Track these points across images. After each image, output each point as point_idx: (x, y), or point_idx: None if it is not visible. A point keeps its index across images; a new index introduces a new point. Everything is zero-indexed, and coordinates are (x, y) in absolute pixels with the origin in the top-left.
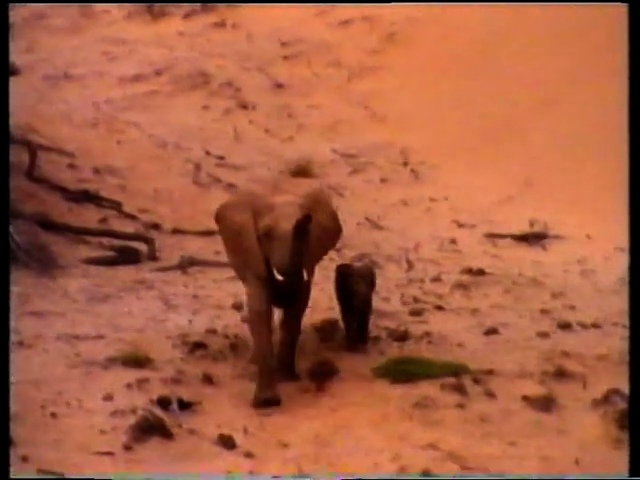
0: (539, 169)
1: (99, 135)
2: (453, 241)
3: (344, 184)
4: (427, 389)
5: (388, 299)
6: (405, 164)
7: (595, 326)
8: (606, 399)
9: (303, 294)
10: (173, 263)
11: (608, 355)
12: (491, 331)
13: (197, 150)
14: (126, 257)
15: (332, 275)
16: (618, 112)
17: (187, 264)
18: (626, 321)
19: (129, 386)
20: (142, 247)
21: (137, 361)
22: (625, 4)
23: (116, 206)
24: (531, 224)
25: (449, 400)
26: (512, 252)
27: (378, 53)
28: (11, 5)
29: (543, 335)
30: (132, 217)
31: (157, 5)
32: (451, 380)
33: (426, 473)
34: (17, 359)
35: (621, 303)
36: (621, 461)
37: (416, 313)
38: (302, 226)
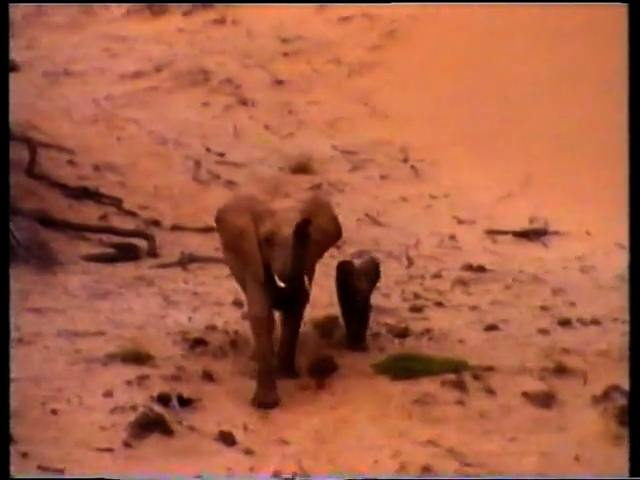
0: (539, 166)
1: (99, 132)
2: (453, 237)
3: (344, 181)
4: (427, 386)
5: (388, 295)
6: (405, 161)
7: (595, 322)
8: (606, 395)
9: (303, 294)
10: (173, 260)
11: (608, 351)
12: (491, 327)
13: (197, 147)
14: (126, 254)
15: (332, 272)
16: (618, 109)
17: (187, 261)
18: (626, 317)
19: (129, 383)
20: (142, 244)
21: (137, 358)
22: (625, 4)
23: (116, 203)
24: (531, 221)
25: (449, 396)
26: (512, 249)
27: (378, 50)
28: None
29: (543, 331)
30: (132, 214)
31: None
32: (451, 376)
33: (426, 470)
34: (17, 356)
35: (621, 299)
36: (621, 457)
37: (416, 309)
38: (302, 231)
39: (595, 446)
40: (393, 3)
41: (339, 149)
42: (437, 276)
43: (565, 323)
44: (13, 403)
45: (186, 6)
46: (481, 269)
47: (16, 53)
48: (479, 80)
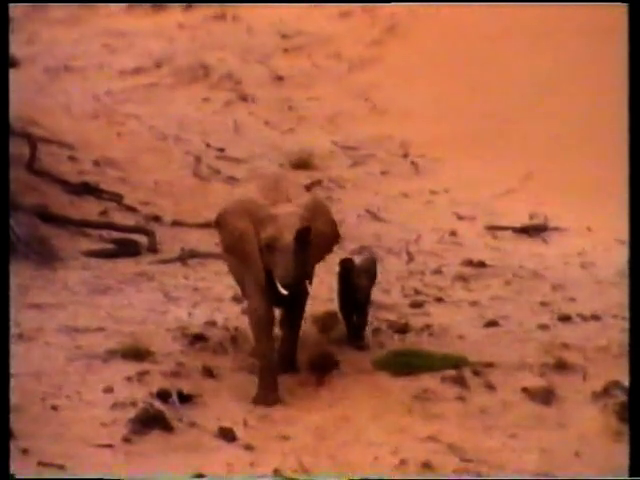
0: (540, 161)
1: (99, 127)
2: (453, 233)
3: (344, 176)
4: (427, 381)
5: (388, 291)
6: (405, 156)
7: (595, 318)
8: (606, 391)
9: (303, 293)
10: (173, 255)
11: (608, 347)
12: (491, 323)
13: (197, 142)
14: (126, 249)
15: (331, 267)
16: (618, 106)
17: (187, 256)
18: (626, 313)
19: (129, 379)
20: (142, 239)
21: (137, 354)
22: (625, 4)
23: (116, 198)
24: (531, 216)
25: (449, 392)
26: (512, 244)
27: (378, 45)
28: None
29: (543, 327)
30: (132, 209)
31: None
32: (451, 372)
33: (426, 466)
34: (17, 352)
35: (621, 295)
36: (621, 454)
37: (416, 305)
38: (303, 238)
39: (595, 442)
40: (393, 3)
41: (339, 145)
42: (437, 272)
43: (565, 319)
44: (13, 399)
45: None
46: (481, 265)
47: (16, 49)
48: (479, 75)
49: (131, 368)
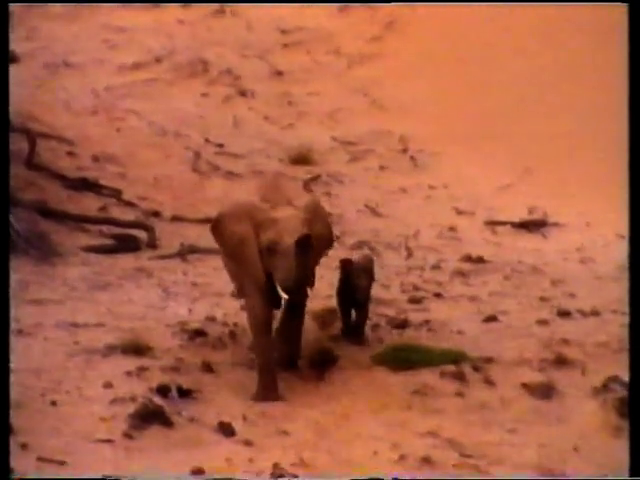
0: (539, 157)
1: (98, 123)
2: (452, 229)
3: (343, 171)
4: (427, 377)
5: (387, 287)
6: (404, 151)
7: (594, 313)
8: (605, 386)
9: (301, 305)
10: (173, 251)
11: (607, 342)
12: (490, 319)
13: (196, 138)
14: (126, 245)
15: (330, 263)
16: (618, 101)
17: (187, 252)
18: (625, 308)
19: (129, 374)
20: (142, 235)
21: (137, 349)
22: (625, 4)
23: (116, 194)
24: (530, 212)
25: (449, 388)
26: (512, 240)
27: (378, 41)
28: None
29: (542, 323)
30: (132, 205)
31: None
32: (451, 368)
33: (426, 461)
34: (17, 347)
35: (620, 290)
36: (620, 449)
37: (416, 301)
38: (304, 244)
39: (594, 437)
40: (393, 3)
41: (338, 140)
42: (436, 267)
43: (564, 314)
44: (12, 394)
45: None
46: (480, 260)
47: (16, 44)
48: (479, 71)
49: (131, 363)
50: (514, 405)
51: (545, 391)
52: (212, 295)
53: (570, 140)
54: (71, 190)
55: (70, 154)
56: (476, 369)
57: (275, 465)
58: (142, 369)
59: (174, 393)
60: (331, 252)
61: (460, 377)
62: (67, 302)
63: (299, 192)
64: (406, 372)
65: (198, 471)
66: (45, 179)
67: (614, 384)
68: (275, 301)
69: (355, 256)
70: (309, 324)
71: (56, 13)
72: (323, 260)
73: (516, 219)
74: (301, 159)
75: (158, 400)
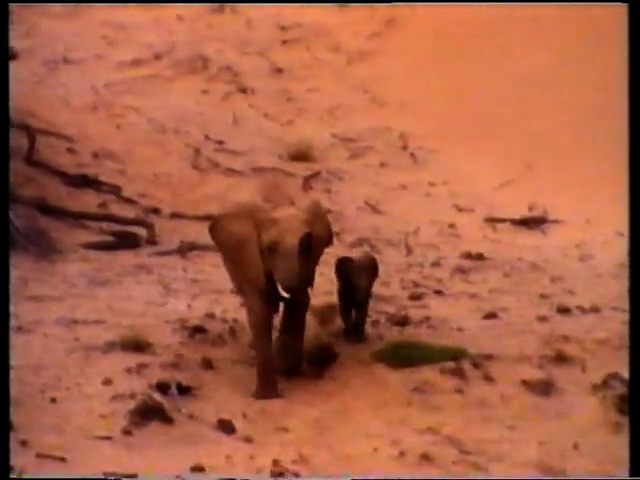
0: (539, 154)
1: (98, 119)
2: (452, 225)
3: (343, 168)
4: (426, 373)
5: (388, 284)
6: (404, 148)
7: (594, 310)
8: (605, 383)
9: (303, 300)
10: (172, 247)
11: (607, 339)
12: (490, 315)
13: (196, 134)
14: (125, 242)
15: (330, 260)
16: (618, 99)
17: (186, 248)
18: (625, 305)
19: (128, 371)
20: (141, 232)
21: (136, 346)
22: (625, 4)
23: (115, 190)
24: (530, 209)
25: (448, 384)
26: (511, 237)
27: (378, 37)
28: None
29: (542, 319)
30: (131, 201)
31: None
32: (450, 365)
33: (425, 457)
34: (16, 344)
35: (620, 287)
36: (620, 445)
37: (415, 297)
38: (305, 243)
39: (594, 434)
40: (393, 3)
41: (338, 137)
42: (436, 264)
43: (564, 311)
44: (12, 391)
45: None
46: (480, 257)
47: (15, 41)
48: (479, 68)
49: (130, 360)
50: (514, 402)
51: (545, 388)
52: (212, 292)
53: (570, 137)
54: (71, 187)
55: (70, 151)
56: (476, 366)
57: (275, 462)
58: (142, 366)
59: (174, 390)
60: (331, 249)
61: (460, 374)
62: (67, 299)
63: (299, 193)
64: (406, 369)
65: (198, 468)
66: (45, 176)
67: (614, 381)
68: (274, 300)
69: (356, 255)
70: (309, 321)
71: (55, 10)
72: (323, 257)
73: (516, 216)
74: (301, 156)
75: (158, 397)
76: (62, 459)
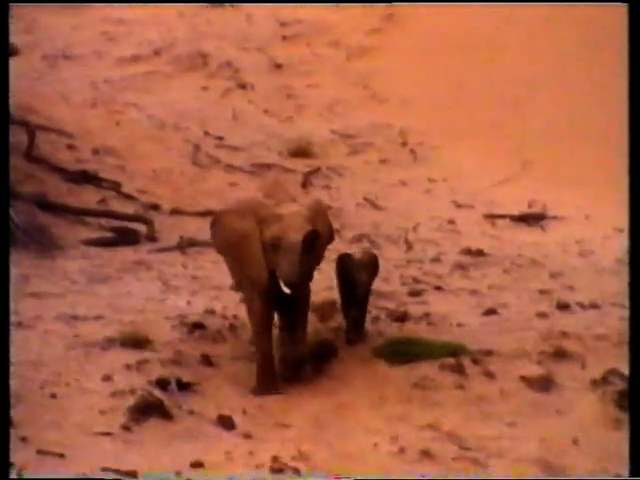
0: (538, 150)
1: (98, 115)
2: (452, 222)
3: (343, 164)
4: (426, 370)
5: (387, 280)
6: (404, 144)
7: (594, 306)
8: (604, 379)
9: (304, 299)
10: (172, 244)
11: (607, 335)
12: (490, 311)
13: (196, 130)
14: (125, 238)
15: (330, 256)
16: (617, 97)
17: (186, 245)
18: (624, 301)
19: (128, 367)
20: (141, 228)
21: (136, 342)
22: (625, 4)
23: (115, 187)
24: (530, 205)
25: (448, 381)
26: (511, 233)
27: (377, 33)
28: None
29: (542, 315)
30: (131, 198)
31: None
32: (450, 361)
33: (425, 454)
34: (16, 340)
35: (620, 283)
36: (619, 441)
37: (415, 294)
38: (310, 240)
39: (594, 430)
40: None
41: (338, 133)
42: (436, 260)
43: (564, 307)
44: (12, 387)
45: None
46: (480, 253)
47: (15, 37)
48: (479, 64)
49: (130, 356)
50: (513, 398)
51: (544, 384)
52: (211, 288)
53: (569, 134)
54: (70, 183)
55: (69, 147)
56: (475, 362)
57: (274, 458)
58: (141, 362)
59: (173, 386)
60: (332, 245)
61: (460, 370)
62: (67, 295)
63: (300, 191)
64: (405, 365)
65: (197, 464)
66: (44, 172)
67: (613, 377)
68: (275, 297)
69: (356, 252)
70: (309, 317)
71: (55, 5)
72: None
73: (515, 212)
74: (301, 152)
75: (157, 393)
76: (62, 455)
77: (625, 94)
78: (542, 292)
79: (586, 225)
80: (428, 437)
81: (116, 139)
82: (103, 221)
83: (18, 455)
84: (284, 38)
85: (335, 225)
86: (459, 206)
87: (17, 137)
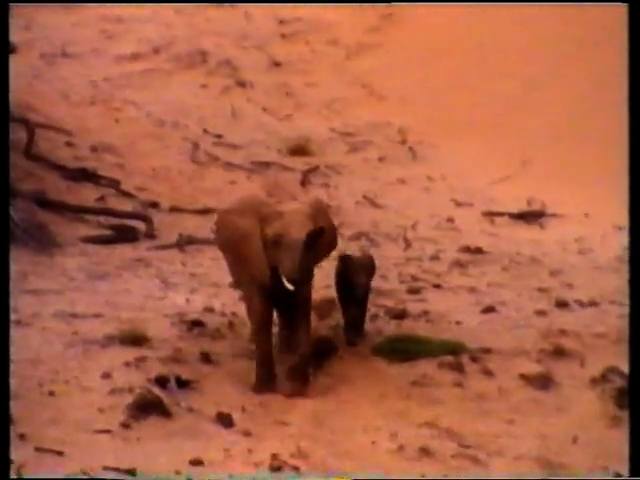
0: (537, 148)
1: (97, 113)
2: (451, 220)
3: (342, 162)
4: (425, 367)
5: (386, 277)
6: (403, 142)
7: (592, 304)
8: (603, 377)
9: (305, 298)
10: (171, 241)
11: (605, 333)
12: (489, 309)
13: (195, 128)
14: (124, 235)
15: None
16: (617, 95)
17: (185, 242)
18: (623, 299)
19: (127, 364)
20: (140, 225)
21: (135, 339)
22: (625, 4)
23: (114, 184)
24: (529, 203)
25: (447, 378)
26: (510, 230)
27: (376, 31)
28: None
29: (541, 313)
30: (130, 195)
31: None
32: (449, 358)
33: (424, 451)
34: (15, 338)
35: (618, 281)
36: (618, 439)
37: (414, 291)
38: (314, 237)
39: (593, 427)
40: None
41: (337, 131)
42: (435, 258)
43: (563, 305)
44: (11, 385)
45: None
46: (479, 251)
47: (13, 34)
48: (478, 63)
49: (129, 354)
50: (512, 396)
51: (543, 382)
52: (210, 286)
53: (569, 132)
54: (70, 180)
55: (68, 144)
56: (474, 360)
57: (274, 456)
58: (140, 359)
59: (172, 383)
60: None
61: (458, 368)
62: (65, 292)
63: (299, 190)
64: (404, 363)
65: (196, 462)
66: (43, 170)
67: (612, 375)
68: (276, 295)
69: (356, 253)
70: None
71: (54, 3)
72: None
73: (514, 210)
74: (299, 150)
75: (156, 390)
76: (60, 453)
77: (625, 94)
78: (541, 290)
79: (585, 223)
80: (427, 435)
81: (115, 137)
82: (102, 219)
83: (17, 453)
84: (283, 36)
85: (334, 223)
86: (458, 204)
87: (16, 135)
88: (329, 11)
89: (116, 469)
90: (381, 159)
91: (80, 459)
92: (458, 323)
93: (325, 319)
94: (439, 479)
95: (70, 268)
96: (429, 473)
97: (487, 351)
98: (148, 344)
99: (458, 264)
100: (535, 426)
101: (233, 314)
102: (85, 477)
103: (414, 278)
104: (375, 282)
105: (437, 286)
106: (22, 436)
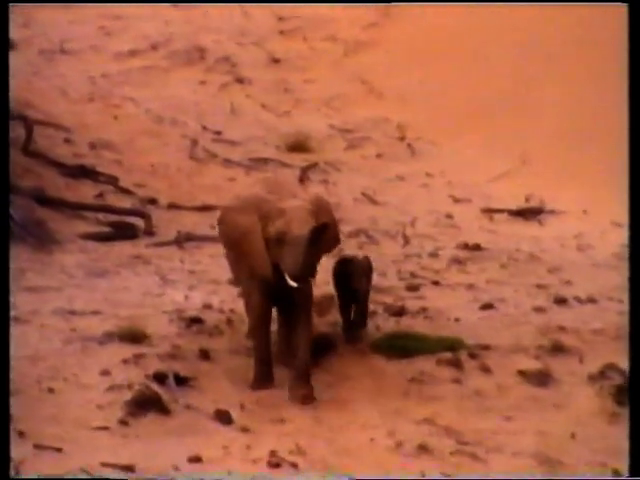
0: (536, 144)
1: (95, 110)
2: (449, 216)
3: (341, 159)
4: (423, 364)
5: (385, 274)
6: (402, 139)
7: (591, 301)
8: (602, 374)
9: (305, 296)
10: (170, 238)
11: (604, 330)
12: (487, 306)
13: (193, 125)
14: (122, 232)
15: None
16: (616, 93)
17: (183, 239)
18: (622, 296)
19: (126, 361)
20: (138, 222)
21: (134, 336)
22: (625, 4)
23: (112, 181)
24: (527, 199)
25: (445, 375)
26: (508, 227)
27: (375, 28)
28: None
29: (539, 310)
30: (128, 192)
31: None
32: (447, 355)
33: (422, 448)
34: (14, 335)
35: (617, 278)
36: (617, 435)
37: (412, 288)
38: (318, 233)
39: (591, 424)
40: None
41: (336, 127)
42: (433, 255)
43: (561, 301)
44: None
45: None
46: (477, 248)
47: (12, 31)
48: (477, 59)
49: (128, 351)
50: (511, 392)
51: (542, 378)
52: (209, 282)
53: (568, 129)
54: (68, 177)
55: (67, 141)
56: (473, 356)
57: (272, 452)
58: (139, 356)
59: (171, 380)
60: None
61: (457, 364)
62: (64, 289)
63: (297, 187)
64: (403, 360)
65: (195, 458)
66: (42, 166)
67: (611, 371)
68: (277, 293)
69: (353, 252)
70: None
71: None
72: None
73: (513, 207)
74: (298, 147)
75: (155, 387)
76: (59, 450)
77: (625, 93)
78: (540, 286)
79: (584, 219)
80: (425, 431)
81: (113, 133)
82: (101, 215)
83: (16, 450)
84: (281, 33)
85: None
86: (457, 201)
87: (15, 132)
88: (327, 8)
89: (114, 466)
90: (380, 156)
91: (79, 456)
92: (456, 320)
93: (324, 316)
94: (438, 478)
95: (69, 265)
96: (427, 470)
97: (485, 348)
98: (147, 341)
99: (457, 261)
100: (534, 423)
101: (232, 311)
102: (84, 476)
103: (412, 275)
104: (373, 279)
105: (436, 283)
106: (21, 433)
